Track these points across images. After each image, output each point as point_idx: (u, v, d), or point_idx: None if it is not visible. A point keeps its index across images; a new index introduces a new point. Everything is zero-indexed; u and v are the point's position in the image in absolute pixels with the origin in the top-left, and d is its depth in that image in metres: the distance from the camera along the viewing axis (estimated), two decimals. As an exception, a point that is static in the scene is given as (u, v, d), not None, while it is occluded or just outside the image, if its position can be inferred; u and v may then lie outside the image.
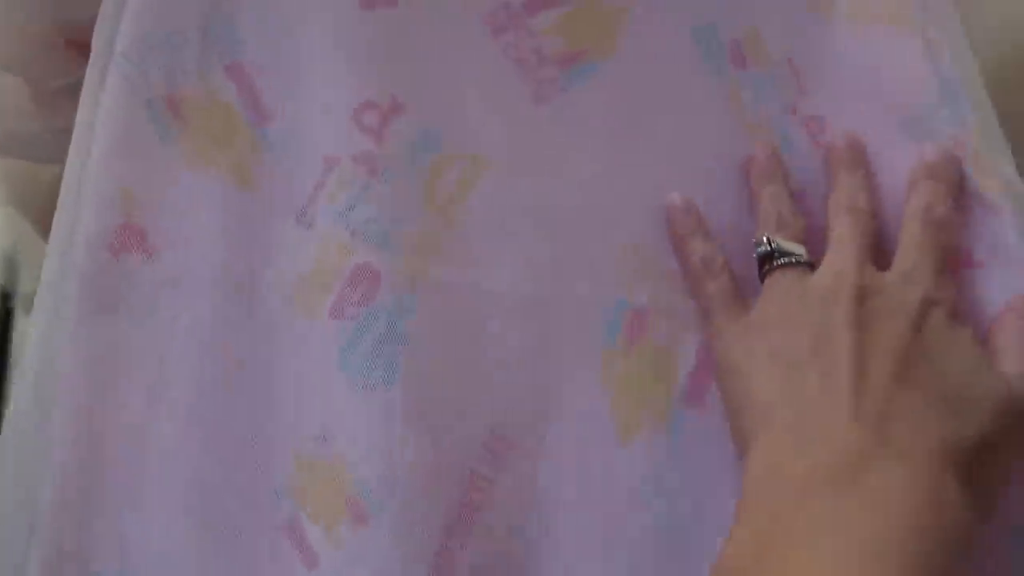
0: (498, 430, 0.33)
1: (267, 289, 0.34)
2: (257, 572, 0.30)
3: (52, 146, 0.44)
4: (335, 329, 0.32)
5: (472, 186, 0.36)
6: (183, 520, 0.30)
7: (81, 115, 0.35)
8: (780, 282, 0.33)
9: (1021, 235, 0.34)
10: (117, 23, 0.35)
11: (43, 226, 0.50)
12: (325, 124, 0.35)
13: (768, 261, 0.34)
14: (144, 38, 0.35)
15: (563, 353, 0.35)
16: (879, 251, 0.35)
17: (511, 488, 0.32)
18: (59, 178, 0.35)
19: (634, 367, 0.35)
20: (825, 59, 0.40)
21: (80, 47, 0.39)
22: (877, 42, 0.39)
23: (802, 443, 0.28)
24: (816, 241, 0.37)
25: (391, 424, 0.31)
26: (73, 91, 0.36)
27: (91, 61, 0.35)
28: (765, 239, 0.34)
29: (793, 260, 0.34)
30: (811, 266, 0.34)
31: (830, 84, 0.40)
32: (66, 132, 0.36)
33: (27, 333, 0.33)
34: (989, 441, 0.28)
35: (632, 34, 0.39)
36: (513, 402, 0.33)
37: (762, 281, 0.34)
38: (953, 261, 0.34)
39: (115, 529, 0.30)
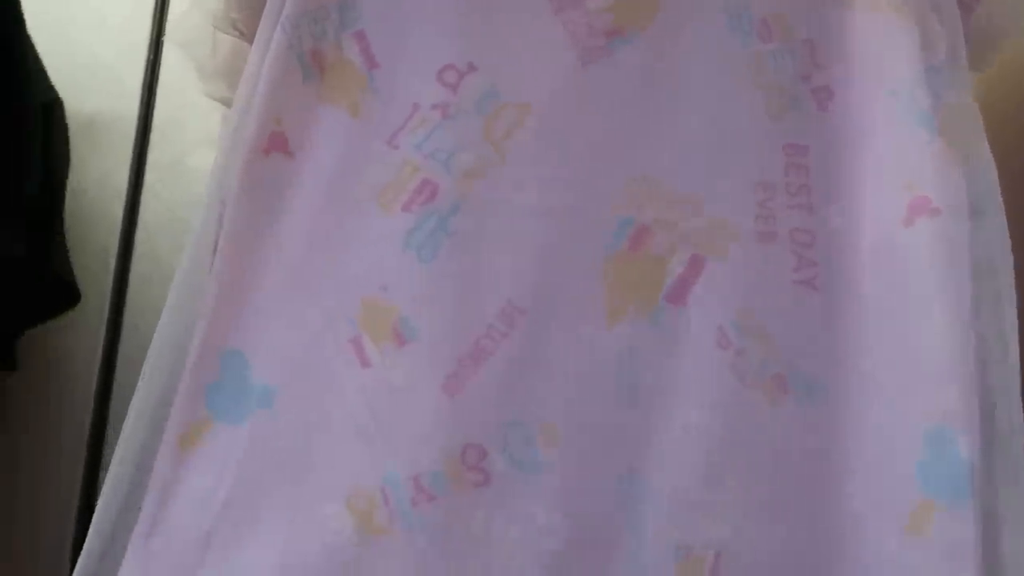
0: (514, 300, 0.44)
1: (355, 192, 0.47)
2: (331, 364, 0.44)
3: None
4: (403, 220, 0.46)
5: (519, 126, 0.47)
6: (287, 328, 0.45)
7: (251, 60, 0.50)
8: None
9: (968, 194, 0.44)
10: (283, 2, 0.50)
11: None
12: (416, 79, 0.48)
13: None
14: (301, 11, 0.49)
15: (574, 251, 0.45)
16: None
17: (517, 343, 0.44)
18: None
19: (631, 269, 0.45)
20: (839, 40, 0.49)
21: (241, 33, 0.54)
22: (881, 27, 0.48)
23: None
24: (813, 192, 0.47)
25: (430, 285, 0.44)
26: (226, 71, 0.51)
27: (260, 25, 0.50)
28: None
29: None
30: None
31: (840, 60, 0.49)
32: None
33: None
34: None
35: (672, 10, 0.49)
36: (528, 282, 0.45)
37: None
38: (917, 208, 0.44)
39: (247, 323, 0.45)
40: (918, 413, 0.42)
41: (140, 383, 0.45)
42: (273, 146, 0.47)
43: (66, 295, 0.79)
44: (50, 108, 0.80)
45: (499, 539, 0.42)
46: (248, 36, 0.52)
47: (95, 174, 0.87)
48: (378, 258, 0.46)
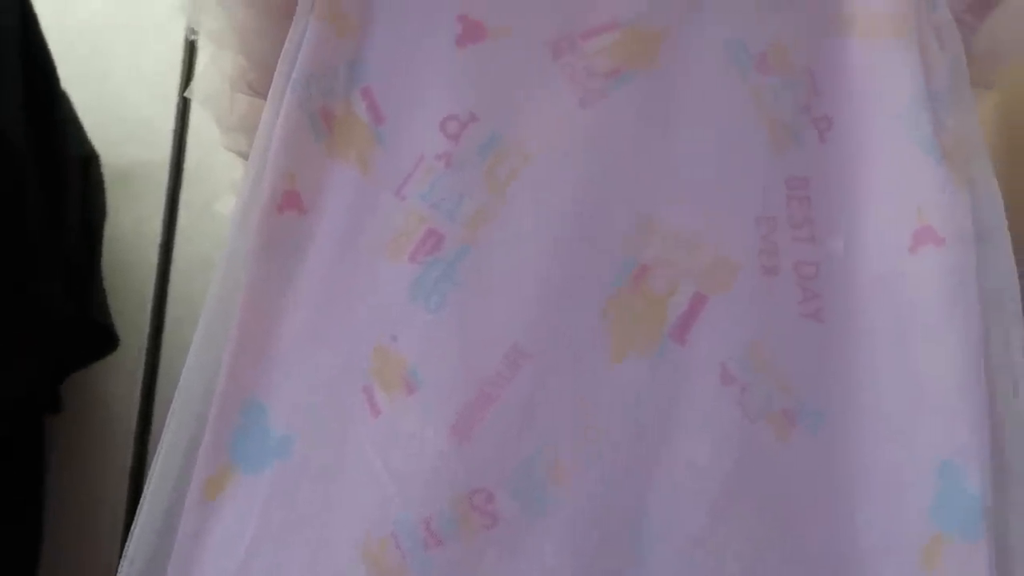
0: (519, 345, 0.45)
1: (365, 244, 0.48)
2: (344, 413, 0.45)
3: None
4: (410, 270, 0.47)
5: (521, 171, 0.48)
6: (303, 379, 0.47)
7: (264, 119, 0.52)
8: None
9: (973, 221, 0.44)
10: (294, 61, 0.52)
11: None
12: (420, 131, 0.50)
13: None
14: (311, 71, 0.51)
15: (577, 292, 0.46)
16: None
17: (522, 386, 0.45)
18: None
19: (633, 307, 0.46)
20: (838, 68, 0.49)
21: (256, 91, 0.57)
22: (881, 53, 0.48)
23: None
24: (816, 224, 0.47)
25: (437, 334, 0.45)
26: (243, 127, 0.53)
27: (273, 85, 0.52)
28: None
29: None
30: None
31: (839, 88, 0.49)
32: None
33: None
34: None
35: (670, 48, 0.49)
36: (532, 325, 0.46)
37: None
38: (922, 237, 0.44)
39: (266, 374, 0.47)
40: (928, 447, 0.42)
41: (166, 429, 0.47)
42: (287, 204, 0.49)
43: (105, 340, 0.83)
44: (87, 162, 0.84)
45: None
46: (263, 94, 0.54)
47: (130, 222, 0.91)
48: (388, 308, 0.47)
